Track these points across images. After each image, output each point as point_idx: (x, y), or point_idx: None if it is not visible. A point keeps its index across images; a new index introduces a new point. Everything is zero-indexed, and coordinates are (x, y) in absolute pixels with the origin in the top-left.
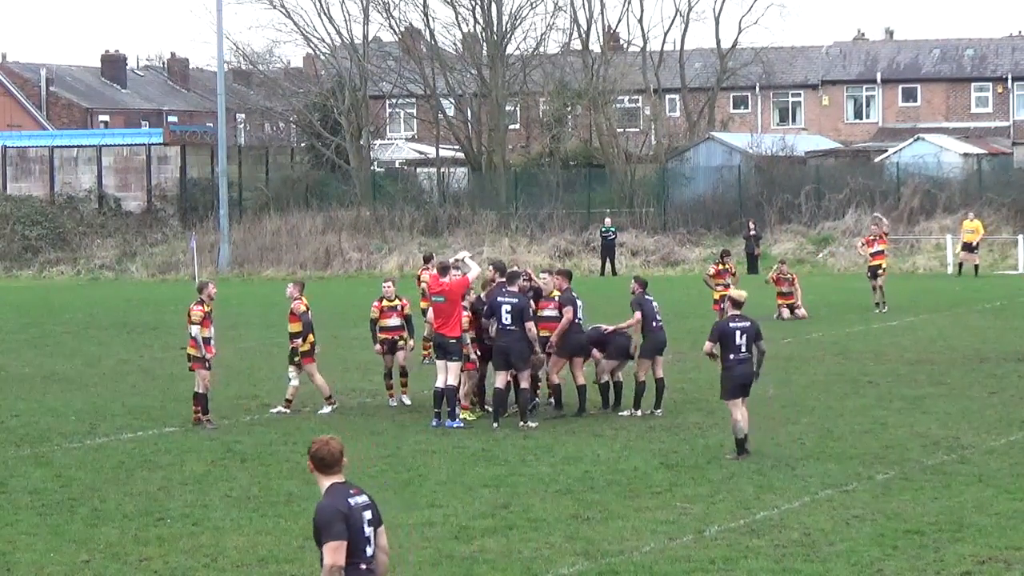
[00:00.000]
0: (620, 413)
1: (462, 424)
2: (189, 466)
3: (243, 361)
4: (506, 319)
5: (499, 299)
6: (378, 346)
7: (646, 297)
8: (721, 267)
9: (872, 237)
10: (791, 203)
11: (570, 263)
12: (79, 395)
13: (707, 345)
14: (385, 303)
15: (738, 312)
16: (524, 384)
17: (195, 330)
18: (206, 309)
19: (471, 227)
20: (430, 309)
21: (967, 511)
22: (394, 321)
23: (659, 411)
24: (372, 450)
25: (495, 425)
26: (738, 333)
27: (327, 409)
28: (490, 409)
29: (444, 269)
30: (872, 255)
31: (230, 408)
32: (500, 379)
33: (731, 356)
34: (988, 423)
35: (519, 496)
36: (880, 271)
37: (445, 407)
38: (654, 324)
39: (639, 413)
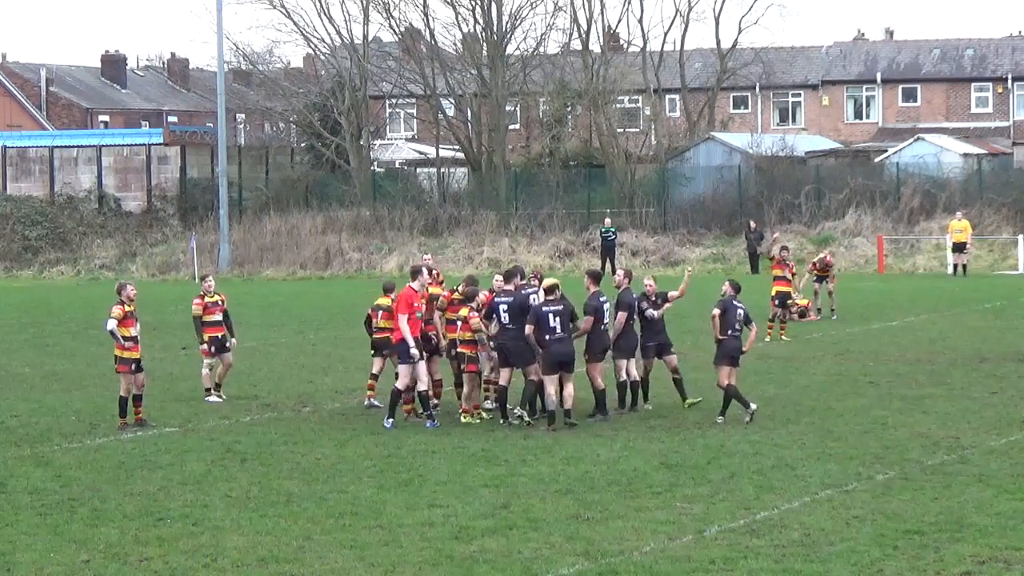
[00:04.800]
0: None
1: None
2: (189, 466)
3: (243, 361)
4: (504, 318)
5: (497, 299)
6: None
7: (733, 303)
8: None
9: (778, 259)
10: (791, 203)
11: (570, 263)
12: (79, 395)
13: (527, 328)
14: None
15: (552, 297)
16: (532, 376)
17: (111, 324)
18: (126, 309)
19: (471, 227)
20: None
21: (967, 511)
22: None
23: (721, 419)
24: (372, 450)
25: (502, 422)
26: (551, 315)
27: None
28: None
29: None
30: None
31: (230, 408)
32: (503, 377)
33: (547, 336)
34: (988, 423)
35: (519, 496)
36: (789, 300)
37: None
38: (730, 332)
39: (720, 420)
